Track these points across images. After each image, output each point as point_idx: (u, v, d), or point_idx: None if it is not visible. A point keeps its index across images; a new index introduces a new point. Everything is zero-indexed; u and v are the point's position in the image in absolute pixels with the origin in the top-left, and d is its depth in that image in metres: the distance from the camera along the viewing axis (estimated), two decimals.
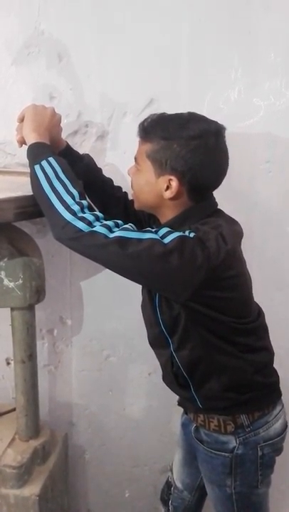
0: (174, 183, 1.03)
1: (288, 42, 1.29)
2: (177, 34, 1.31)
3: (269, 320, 1.19)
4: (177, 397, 1.25)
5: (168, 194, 1.04)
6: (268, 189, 1.41)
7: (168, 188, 1.04)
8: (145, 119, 1.07)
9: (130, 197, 1.29)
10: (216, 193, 1.13)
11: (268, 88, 1.32)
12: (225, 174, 1.09)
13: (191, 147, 1.01)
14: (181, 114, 1.06)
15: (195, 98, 1.33)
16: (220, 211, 1.13)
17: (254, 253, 1.33)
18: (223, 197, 1.14)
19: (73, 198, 0.97)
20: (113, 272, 0.99)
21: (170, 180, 1.03)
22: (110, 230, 0.93)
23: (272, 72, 1.31)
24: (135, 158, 1.10)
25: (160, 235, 0.95)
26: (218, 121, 1.32)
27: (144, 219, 1.25)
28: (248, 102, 1.33)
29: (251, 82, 1.32)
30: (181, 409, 1.31)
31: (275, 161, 1.38)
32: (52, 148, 1.09)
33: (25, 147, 1.09)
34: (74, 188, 0.99)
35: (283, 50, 1.29)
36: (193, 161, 1.01)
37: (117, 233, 0.93)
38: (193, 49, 1.31)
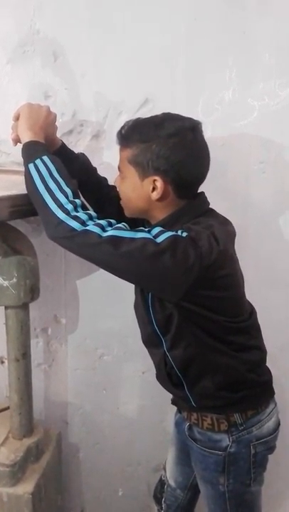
0: (159, 183, 1.04)
1: (283, 43, 1.30)
2: (173, 34, 1.31)
3: (263, 319, 1.20)
4: (171, 395, 1.26)
5: (155, 195, 1.05)
6: (262, 189, 1.41)
7: (154, 189, 1.05)
8: (122, 127, 1.09)
9: None
10: (209, 194, 1.14)
11: (262, 89, 1.33)
12: (208, 168, 1.10)
13: (170, 145, 1.02)
14: (156, 115, 1.07)
15: (190, 98, 1.33)
16: (212, 211, 1.13)
17: (248, 253, 1.33)
18: (218, 197, 1.15)
19: (67, 196, 0.97)
20: (107, 272, 0.99)
21: (154, 180, 1.04)
22: (103, 229, 0.94)
23: (266, 72, 1.31)
24: (118, 168, 1.12)
25: (153, 235, 0.95)
26: (213, 122, 1.33)
27: (138, 218, 1.26)
28: (242, 102, 1.34)
29: (246, 82, 1.32)
30: (175, 408, 1.32)
31: (269, 161, 1.38)
32: (46, 147, 1.09)
33: (20, 146, 1.09)
34: (68, 186, 0.99)
35: (278, 50, 1.30)
36: (174, 159, 1.02)
37: (110, 232, 0.93)
38: (189, 49, 1.32)
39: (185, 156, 1.03)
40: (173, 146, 1.02)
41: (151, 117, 1.07)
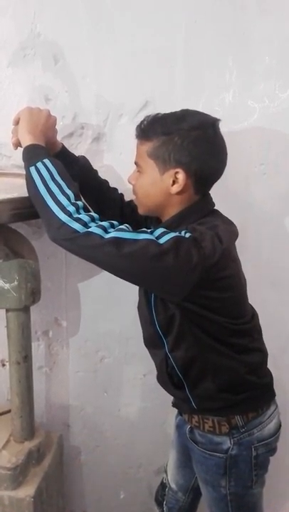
0: (181, 176, 1.04)
1: (283, 44, 1.30)
2: (172, 36, 1.31)
3: (263, 320, 1.20)
4: (172, 398, 1.26)
5: (175, 188, 1.05)
6: (263, 191, 1.41)
7: (174, 182, 1.05)
8: (141, 121, 1.09)
9: (126, 198, 1.30)
10: (211, 194, 1.14)
11: (262, 90, 1.33)
12: (225, 164, 1.10)
13: (192, 138, 1.02)
14: (175, 111, 1.08)
15: (190, 100, 1.33)
16: (216, 211, 1.13)
17: (249, 254, 1.34)
18: (218, 198, 1.15)
19: (68, 199, 0.97)
20: (108, 273, 0.99)
21: (176, 173, 1.04)
22: (106, 231, 0.94)
23: (266, 74, 1.32)
24: (136, 163, 1.11)
25: (156, 236, 0.95)
26: None
27: (141, 220, 1.26)
28: (242, 104, 1.34)
29: (246, 84, 1.33)
30: (176, 410, 1.31)
31: (269, 163, 1.39)
32: (47, 150, 1.09)
33: (20, 149, 1.10)
34: (69, 189, 0.99)
35: (278, 52, 1.30)
36: (196, 151, 1.03)
37: (113, 234, 0.93)
38: (189, 51, 1.32)
39: (207, 149, 1.04)
40: (195, 139, 1.02)
41: (172, 112, 1.07)
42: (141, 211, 1.15)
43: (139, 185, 1.11)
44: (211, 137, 1.05)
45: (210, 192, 1.14)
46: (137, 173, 1.11)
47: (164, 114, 1.07)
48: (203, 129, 1.04)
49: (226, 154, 1.09)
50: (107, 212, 1.24)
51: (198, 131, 1.03)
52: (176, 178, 1.04)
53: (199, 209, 1.10)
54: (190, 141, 1.02)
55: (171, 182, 1.05)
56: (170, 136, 1.03)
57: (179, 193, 1.06)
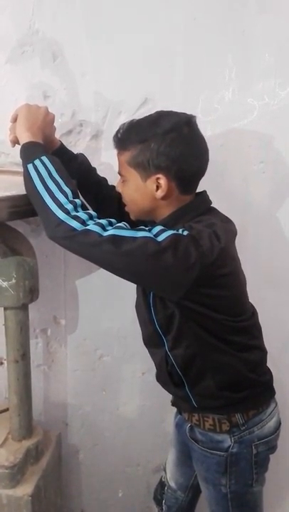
0: (163, 181, 1.04)
1: (282, 42, 1.29)
2: (172, 33, 1.31)
3: (262, 319, 1.20)
4: (171, 396, 1.26)
5: (160, 193, 1.05)
6: (262, 189, 1.41)
7: (158, 187, 1.05)
8: (117, 131, 1.09)
9: None
10: (209, 193, 1.14)
11: (262, 88, 1.32)
12: (207, 160, 1.10)
13: (168, 141, 1.02)
14: (150, 115, 1.08)
15: (189, 97, 1.33)
16: (214, 209, 1.13)
17: (247, 253, 1.33)
18: (217, 197, 1.15)
19: (66, 196, 0.97)
20: (107, 272, 0.99)
21: (158, 178, 1.04)
22: (104, 229, 0.93)
23: (266, 72, 1.31)
24: (119, 173, 1.12)
25: (154, 233, 0.95)
26: (213, 121, 1.33)
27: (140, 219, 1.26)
28: (242, 102, 1.34)
29: (245, 82, 1.32)
30: (175, 409, 1.31)
31: (268, 161, 1.38)
32: (45, 148, 1.09)
33: (18, 147, 1.09)
34: (67, 186, 0.99)
35: (277, 50, 1.30)
36: (174, 154, 1.02)
37: (111, 231, 0.93)
38: (188, 48, 1.31)
39: (184, 149, 1.03)
40: (171, 142, 1.02)
41: (145, 117, 1.08)
42: (133, 217, 1.16)
43: (125, 193, 1.12)
44: (187, 137, 1.04)
45: (208, 190, 1.13)
46: (121, 181, 1.12)
47: (138, 120, 1.07)
48: (178, 130, 1.03)
49: (205, 150, 1.09)
50: (106, 210, 1.24)
51: (173, 134, 1.02)
52: (159, 183, 1.04)
53: (195, 207, 1.10)
54: (166, 145, 1.02)
55: (154, 187, 1.05)
56: (146, 144, 1.03)
57: (164, 198, 1.06)
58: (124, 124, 1.08)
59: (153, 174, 1.04)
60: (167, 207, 1.08)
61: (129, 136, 1.06)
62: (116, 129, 1.10)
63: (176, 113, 1.07)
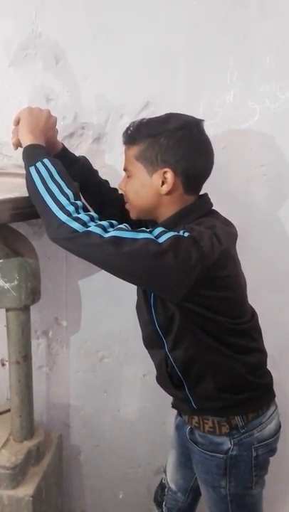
0: (169, 175, 1.05)
1: (284, 45, 1.30)
2: (174, 37, 1.31)
3: (263, 322, 1.20)
4: (171, 398, 1.26)
5: (165, 188, 1.06)
6: (263, 192, 1.41)
7: (163, 183, 1.06)
8: (127, 128, 1.11)
9: None
10: (210, 196, 1.14)
11: (263, 92, 1.33)
12: (212, 163, 1.11)
13: (178, 137, 1.04)
14: (160, 115, 1.10)
15: (191, 100, 1.34)
16: (215, 212, 1.14)
17: (249, 255, 1.33)
18: (219, 199, 1.15)
19: (68, 198, 0.97)
20: (108, 273, 0.99)
21: (164, 173, 1.05)
22: (105, 230, 0.94)
23: (267, 75, 1.32)
24: (124, 169, 1.13)
25: (155, 235, 0.96)
26: (214, 124, 1.33)
27: (141, 221, 1.26)
28: (243, 105, 1.34)
29: (247, 85, 1.33)
30: (175, 411, 1.31)
31: (269, 164, 1.39)
32: (47, 150, 1.09)
33: (21, 149, 1.10)
34: (69, 188, 0.99)
35: (279, 53, 1.30)
36: (183, 150, 1.04)
37: (112, 233, 0.93)
38: (190, 52, 1.32)
39: (192, 148, 1.05)
40: (181, 138, 1.04)
41: (156, 116, 1.10)
42: (133, 215, 1.16)
43: (129, 189, 1.13)
44: (196, 137, 1.07)
45: (209, 193, 1.14)
46: (126, 178, 1.13)
47: (149, 118, 1.09)
48: (188, 128, 1.05)
49: (212, 154, 1.11)
50: (107, 212, 1.25)
51: (184, 131, 1.04)
52: (165, 177, 1.05)
53: (196, 209, 1.10)
54: (176, 141, 1.04)
55: (160, 182, 1.06)
56: (156, 138, 1.05)
57: (169, 193, 1.07)
58: (134, 121, 1.10)
59: (160, 168, 1.05)
60: (170, 206, 1.09)
61: (140, 131, 1.08)
62: (122, 128, 1.11)
63: (187, 115, 1.09)
